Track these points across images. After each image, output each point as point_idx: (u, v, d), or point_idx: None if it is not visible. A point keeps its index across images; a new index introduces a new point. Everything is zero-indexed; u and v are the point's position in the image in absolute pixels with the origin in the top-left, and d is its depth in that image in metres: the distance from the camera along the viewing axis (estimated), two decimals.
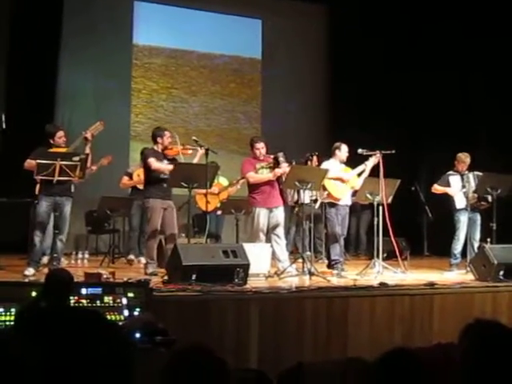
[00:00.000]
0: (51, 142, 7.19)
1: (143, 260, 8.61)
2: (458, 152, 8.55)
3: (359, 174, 8.08)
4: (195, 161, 7.61)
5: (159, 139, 7.63)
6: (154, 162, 7.47)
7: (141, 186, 9.30)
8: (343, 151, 8.08)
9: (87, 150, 7.17)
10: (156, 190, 7.46)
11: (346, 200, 8.04)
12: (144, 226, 9.44)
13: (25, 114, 9.34)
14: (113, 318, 4.56)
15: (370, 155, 7.98)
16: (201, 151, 7.53)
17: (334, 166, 8.00)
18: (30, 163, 7.00)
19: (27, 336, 2.64)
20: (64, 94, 10.88)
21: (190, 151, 7.67)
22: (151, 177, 7.53)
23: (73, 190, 7.43)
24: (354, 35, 11.91)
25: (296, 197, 9.46)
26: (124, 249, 9.66)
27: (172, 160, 7.59)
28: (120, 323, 4.43)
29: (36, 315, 3.39)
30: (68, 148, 7.21)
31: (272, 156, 7.71)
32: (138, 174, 9.38)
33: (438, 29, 11.40)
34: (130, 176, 9.54)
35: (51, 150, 7.09)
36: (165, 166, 7.46)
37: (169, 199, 7.53)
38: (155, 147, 7.67)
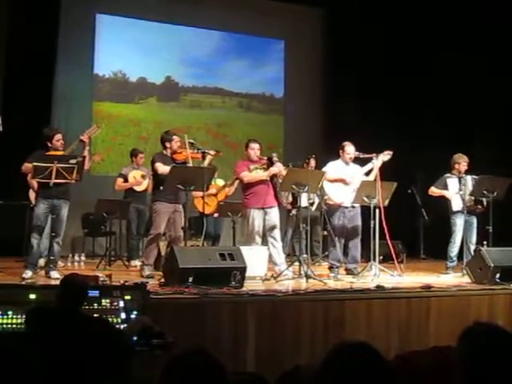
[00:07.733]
0: (49, 145, 7.17)
1: (138, 262, 8.60)
2: (455, 155, 8.56)
3: (367, 173, 8.07)
4: (205, 164, 7.51)
5: (167, 143, 7.56)
6: (160, 166, 7.40)
7: (137, 188, 9.32)
8: (346, 152, 8.05)
9: (85, 153, 7.16)
10: (164, 193, 7.37)
11: (351, 201, 7.94)
12: (141, 228, 9.43)
13: (22, 117, 9.32)
14: (110, 320, 4.56)
15: (369, 158, 7.98)
16: (211, 154, 7.49)
17: (339, 166, 7.98)
18: (27, 166, 7.01)
19: (34, 338, 2.65)
20: (61, 97, 10.89)
21: (200, 155, 7.55)
22: (159, 180, 7.45)
23: None
24: (353, 36, 11.92)
25: (290, 198, 9.45)
26: (125, 254, 9.58)
27: (181, 164, 7.48)
28: (117, 326, 4.44)
29: (46, 318, 3.39)
30: (65, 151, 7.19)
31: (266, 158, 7.68)
32: (134, 176, 9.36)
33: (438, 28, 11.39)
34: (125, 178, 9.48)
35: (49, 153, 7.06)
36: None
37: (178, 202, 7.43)
38: (164, 151, 7.61)
